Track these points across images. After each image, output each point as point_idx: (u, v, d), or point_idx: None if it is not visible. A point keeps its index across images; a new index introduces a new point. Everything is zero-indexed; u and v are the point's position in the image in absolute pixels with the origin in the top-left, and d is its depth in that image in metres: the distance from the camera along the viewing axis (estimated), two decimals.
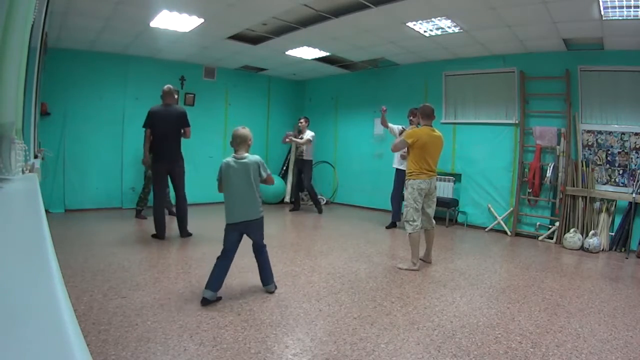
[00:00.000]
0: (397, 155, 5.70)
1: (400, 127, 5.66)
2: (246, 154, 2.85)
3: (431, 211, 3.92)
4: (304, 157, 6.77)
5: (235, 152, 2.86)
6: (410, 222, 3.77)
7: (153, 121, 4.48)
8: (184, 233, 4.66)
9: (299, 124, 6.89)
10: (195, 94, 7.23)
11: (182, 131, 4.56)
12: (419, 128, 3.95)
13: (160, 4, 4.30)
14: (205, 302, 2.72)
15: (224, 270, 2.83)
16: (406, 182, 3.88)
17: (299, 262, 3.91)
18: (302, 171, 6.84)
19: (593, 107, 5.17)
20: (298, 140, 6.74)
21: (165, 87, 4.61)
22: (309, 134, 6.71)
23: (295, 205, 7.08)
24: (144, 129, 4.56)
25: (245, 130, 2.87)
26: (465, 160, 6.29)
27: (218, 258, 2.85)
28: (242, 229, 2.88)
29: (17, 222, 0.88)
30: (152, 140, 4.48)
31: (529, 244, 5.21)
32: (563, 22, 4.28)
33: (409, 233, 3.78)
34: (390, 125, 5.66)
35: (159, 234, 4.53)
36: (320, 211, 6.82)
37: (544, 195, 5.55)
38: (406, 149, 4.00)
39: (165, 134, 4.47)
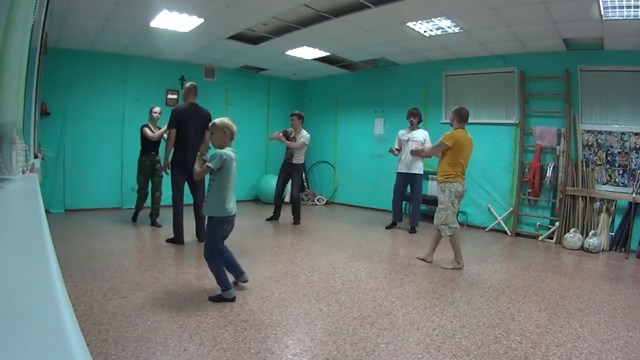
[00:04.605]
0: (401, 159, 5.60)
1: (399, 132, 5.67)
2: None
3: (455, 211, 4.01)
4: (294, 161, 5.77)
5: (227, 145, 2.82)
6: (450, 225, 3.85)
7: (181, 121, 4.09)
8: (202, 238, 4.36)
9: (291, 121, 5.86)
10: None
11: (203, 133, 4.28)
12: (456, 131, 3.89)
13: (160, 4, 4.30)
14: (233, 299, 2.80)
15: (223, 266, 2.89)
16: (442, 184, 3.89)
17: (299, 262, 3.91)
18: (290, 177, 5.86)
19: (593, 107, 5.17)
20: (291, 143, 5.70)
21: (190, 83, 4.31)
22: (304, 136, 5.69)
23: (275, 214, 5.97)
24: (167, 130, 4.16)
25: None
26: None
27: (215, 261, 2.83)
28: (233, 222, 2.90)
29: (17, 222, 0.88)
30: (175, 141, 4.11)
31: (529, 244, 5.20)
32: (563, 22, 4.28)
33: (449, 235, 3.87)
34: (395, 147, 5.63)
35: (178, 239, 4.30)
36: (296, 222, 5.82)
37: (544, 195, 5.55)
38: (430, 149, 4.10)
39: (192, 136, 4.16)
